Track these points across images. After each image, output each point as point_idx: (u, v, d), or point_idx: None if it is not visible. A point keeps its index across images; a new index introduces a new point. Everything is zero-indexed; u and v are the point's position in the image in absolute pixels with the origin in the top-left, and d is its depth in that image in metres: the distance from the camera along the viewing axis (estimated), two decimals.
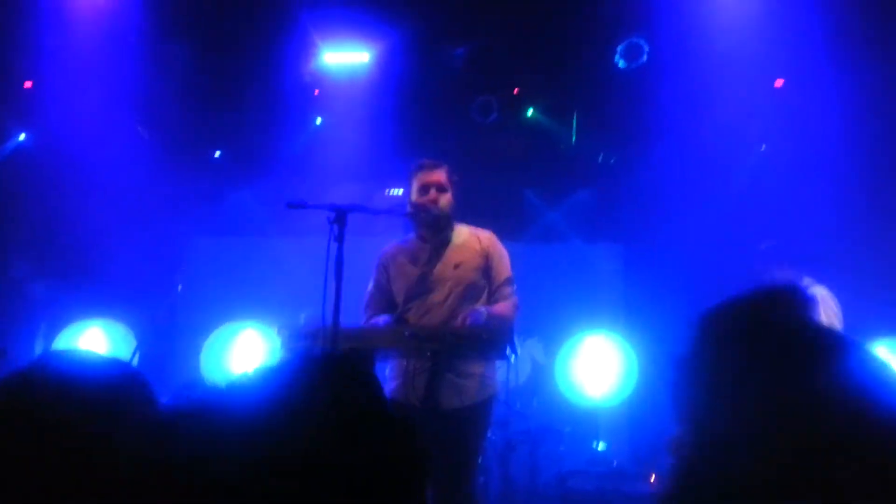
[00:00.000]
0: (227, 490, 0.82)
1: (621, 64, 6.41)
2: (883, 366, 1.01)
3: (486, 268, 3.75)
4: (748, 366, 1.03)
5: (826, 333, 1.04)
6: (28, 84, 6.65)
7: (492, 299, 3.72)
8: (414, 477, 0.90)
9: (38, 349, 5.52)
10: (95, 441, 1.06)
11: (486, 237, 3.84)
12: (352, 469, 0.85)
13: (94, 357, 1.23)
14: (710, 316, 1.12)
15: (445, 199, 3.74)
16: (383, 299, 3.83)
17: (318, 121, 7.35)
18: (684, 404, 1.08)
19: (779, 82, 6.46)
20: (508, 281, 3.76)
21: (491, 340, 3.10)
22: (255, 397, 0.89)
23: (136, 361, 4.89)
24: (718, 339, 1.10)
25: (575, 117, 7.16)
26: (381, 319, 3.66)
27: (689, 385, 1.08)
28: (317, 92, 6.97)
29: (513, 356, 3.18)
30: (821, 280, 4.35)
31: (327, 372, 0.93)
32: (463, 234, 3.84)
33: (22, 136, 7.05)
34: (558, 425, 6.35)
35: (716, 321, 1.12)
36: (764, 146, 6.88)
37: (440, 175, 3.76)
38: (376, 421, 0.90)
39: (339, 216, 3.21)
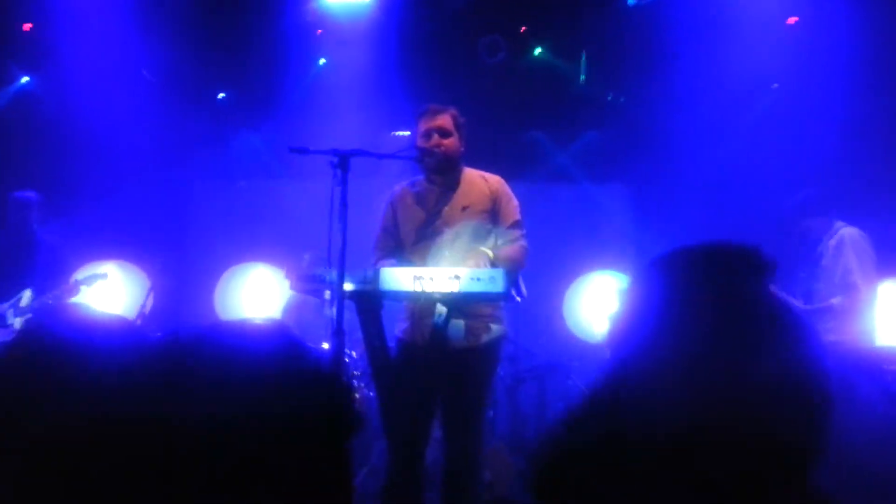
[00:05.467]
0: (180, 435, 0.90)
1: (631, 1, 6.27)
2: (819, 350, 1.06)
3: (494, 211, 3.74)
4: (693, 319, 1.07)
5: (775, 309, 1.09)
6: (27, 26, 6.56)
7: (499, 242, 3.72)
8: (337, 427, 0.98)
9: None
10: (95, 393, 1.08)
11: (494, 180, 3.82)
12: (281, 420, 0.93)
13: (93, 315, 1.24)
14: (670, 260, 1.16)
15: (449, 143, 3.72)
16: (391, 240, 3.84)
17: (322, 61, 7.26)
18: (624, 337, 1.13)
19: (792, 20, 6.32)
20: (517, 224, 3.74)
21: (494, 283, 3.10)
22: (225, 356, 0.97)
23: (150, 302, 5.00)
24: (672, 286, 1.13)
25: (584, 56, 7.04)
26: (388, 263, 3.67)
27: (632, 320, 1.12)
28: (319, 31, 6.86)
29: (519, 298, 3.19)
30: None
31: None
32: (471, 177, 3.82)
33: (25, 79, 6.99)
34: (566, 360, 6.40)
35: (674, 267, 1.15)
36: (776, 85, 6.77)
37: (444, 120, 3.73)
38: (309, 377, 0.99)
39: (342, 161, 3.19)
